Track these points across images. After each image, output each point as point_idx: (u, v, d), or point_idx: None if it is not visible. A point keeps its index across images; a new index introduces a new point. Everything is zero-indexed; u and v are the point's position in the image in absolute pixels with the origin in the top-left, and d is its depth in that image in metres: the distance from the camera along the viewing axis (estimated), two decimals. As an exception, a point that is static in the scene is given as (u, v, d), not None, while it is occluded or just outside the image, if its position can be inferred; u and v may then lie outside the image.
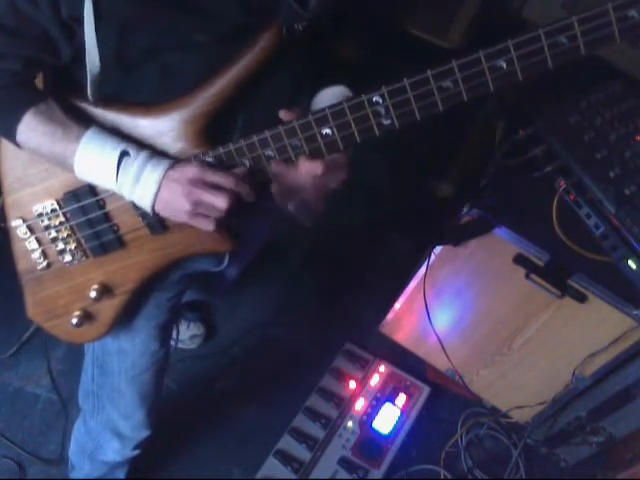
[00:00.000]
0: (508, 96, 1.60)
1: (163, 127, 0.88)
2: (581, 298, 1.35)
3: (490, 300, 1.58)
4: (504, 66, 0.76)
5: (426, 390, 1.85)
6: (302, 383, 1.82)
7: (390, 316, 1.83)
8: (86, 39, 0.80)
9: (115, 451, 1.32)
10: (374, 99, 0.80)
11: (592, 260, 1.31)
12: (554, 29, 0.73)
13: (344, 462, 1.67)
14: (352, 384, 1.83)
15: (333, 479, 1.64)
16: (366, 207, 2.26)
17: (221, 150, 0.88)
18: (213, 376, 1.85)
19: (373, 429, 1.75)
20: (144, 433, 1.29)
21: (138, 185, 0.85)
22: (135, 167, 0.85)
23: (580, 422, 1.63)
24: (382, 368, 1.88)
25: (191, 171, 0.85)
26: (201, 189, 0.85)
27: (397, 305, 1.78)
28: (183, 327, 1.86)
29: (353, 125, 0.83)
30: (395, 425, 1.77)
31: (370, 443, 1.72)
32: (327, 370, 1.85)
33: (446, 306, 1.65)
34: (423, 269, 1.56)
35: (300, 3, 0.84)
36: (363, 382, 1.85)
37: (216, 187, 0.85)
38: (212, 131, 0.89)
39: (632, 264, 1.26)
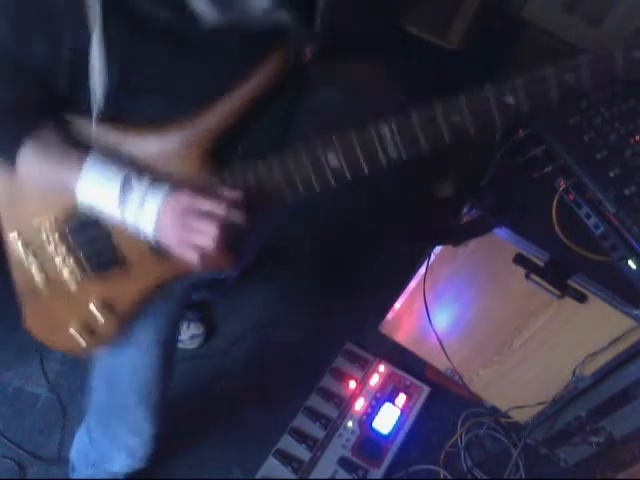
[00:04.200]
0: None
1: (166, 147, 0.87)
2: (581, 298, 1.35)
3: (490, 300, 1.58)
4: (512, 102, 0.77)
5: (426, 390, 1.85)
6: (302, 383, 1.82)
7: (390, 316, 1.83)
8: (91, 69, 0.79)
9: (124, 465, 1.32)
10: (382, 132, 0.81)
11: (592, 260, 1.31)
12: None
13: (344, 462, 1.67)
14: (352, 384, 1.83)
15: (333, 479, 1.64)
16: (366, 207, 2.26)
17: (224, 174, 0.87)
18: (213, 376, 1.84)
19: (373, 429, 1.75)
20: (155, 446, 1.28)
21: (142, 213, 0.84)
22: (137, 195, 0.83)
23: (580, 422, 1.63)
24: (382, 368, 1.88)
25: (184, 200, 0.84)
26: (192, 219, 0.83)
27: (397, 305, 1.78)
28: (183, 327, 1.86)
29: (361, 156, 0.83)
30: (395, 425, 1.77)
31: (370, 443, 1.72)
32: (327, 370, 1.85)
33: (446, 306, 1.65)
34: (423, 269, 1.56)
35: (307, 25, 0.84)
36: (363, 382, 1.85)
37: (208, 215, 0.83)
38: (216, 153, 0.88)
39: (632, 264, 1.26)
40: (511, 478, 1.75)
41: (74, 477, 1.46)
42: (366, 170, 0.84)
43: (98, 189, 0.84)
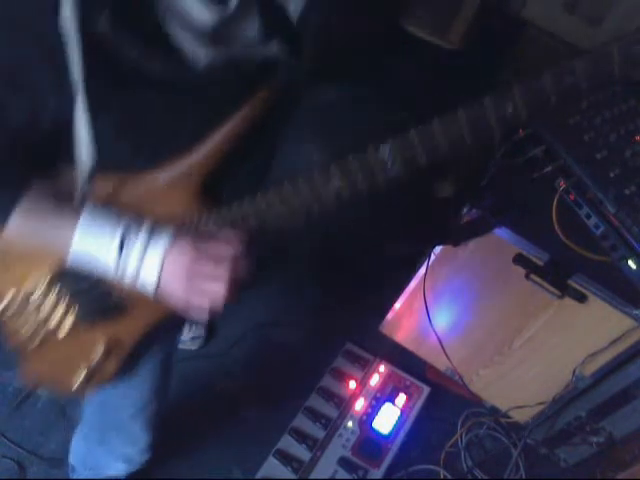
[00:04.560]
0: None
1: (156, 186, 0.83)
2: (581, 298, 1.35)
3: (490, 300, 1.58)
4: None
5: (426, 390, 1.85)
6: (302, 383, 1.82)
7: (390, 316, 1.83)
8: (76, 139, 0.75)
9: (121, 469, 1.32)
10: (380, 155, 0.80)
11: (592, 260, 1.31)
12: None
13: (344, 462, 1.67)
14: (352, 384, 1.83)
15: (333, 479, 1.64)
16: (366, 207, 2.25)
17: (221, 211, 0.84)
18: (213, 376, 1.84)
19: (373, 429, 1.75)
20: (152, 451, 1.29)
21: (143, 263, 0.80)
22: (138, 246, 0.80)
23: (580, 422, 1.63)
24: (382, 368, 1.88)
25: (189, 248, 0.80)
26: (200, 267, 0.80)
27: (397, 305, 1.78)
28: (184, 328, 1.86)
29: (361, 180, 0.82)
30: (395, 425, 1.77)
31: (370, 443, 1.72)
32: (327, 370, 1.85)
33: (446, 306, 1.65)
34: (423, 269, 1.56)
35: (296, 56, 0.83)
36: (363, 382, 1.85)
37: (217, 262, 0.81)
38: (207, 189, 0.85)
39: (632, 264, 1.26)
40: (511, 478, 1.75)
41: (74, 477, 1.46)
42: (366, 191, 0.84)
43: (94, 243, 0.80)
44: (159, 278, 0.81)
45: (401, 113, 1.03)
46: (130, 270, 0.80)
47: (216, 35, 0.74)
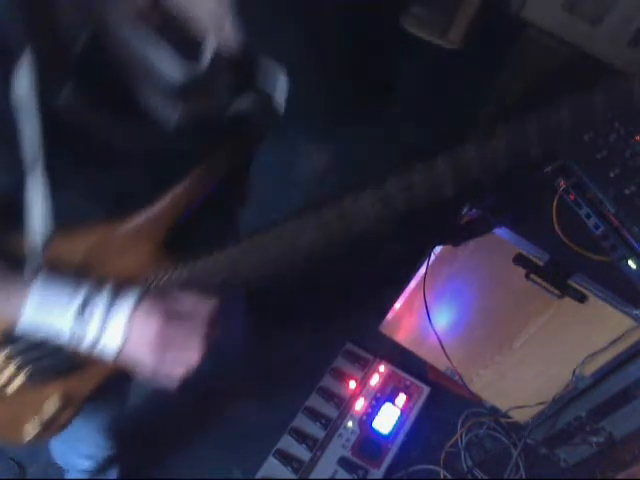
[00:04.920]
0: (508, 97, 1.60)
1: (116, 241, 0.78)
2: (581, 298, 1.35)
3: (490, 300, 1.58)
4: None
5: (426, 390, 1.85)
6: (302, 383, 1.82)
7: (390, 316, 1.83)
8: (30, 211, 0.68)
9: (87, 466, 1.33)
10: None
11: (592, 260, 1.31)
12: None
13: (344, 462, 1.67)
14: (352, 384, 1.83)
15: (333, 479, 1.64)
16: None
17: (188, 267, 0.79)
18: (213, 376, 1.84)
19: (373, 429, 1.75)
20: (113, 450, 1.29)
21: (105, 330, 0.74)
22: (99, 311, 0.73)
23: (580, 422, 1.63)
24: (382, 368, 1.88)
25: (156, 314, 0.75)
26: (171, 336, 0.75)
27: (397, 305, 1.78)
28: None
29: (336, 231, 0.79)
30: (395, 425, 1.77)
31: (370, 443, 1.72)
32: (327, 370, 1.85)
33: (446, 306, 1.65)
34: (423, 269, 1.56)
35: (269, 109, 0.80)
36: (363, 382, 1.85)
37: (188, 329, 0.77)
38: (175, 241, 0.80)
39: (632, 264, 1.26)
40: (511, 478, 1.75)
41: (69, 477, 1.46)
42: (342, 241, 0.80)
43: (48, 313, 0.73)
44: (122, 346, 0.74)
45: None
46: (89, 338, 0.74)
47: (187, 91, 0.71)
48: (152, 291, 0.78)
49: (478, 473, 1.77)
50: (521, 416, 1.74)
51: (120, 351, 0.75)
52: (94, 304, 0.73)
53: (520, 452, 1.74)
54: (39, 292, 0.73)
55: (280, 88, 0.82)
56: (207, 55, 0.71)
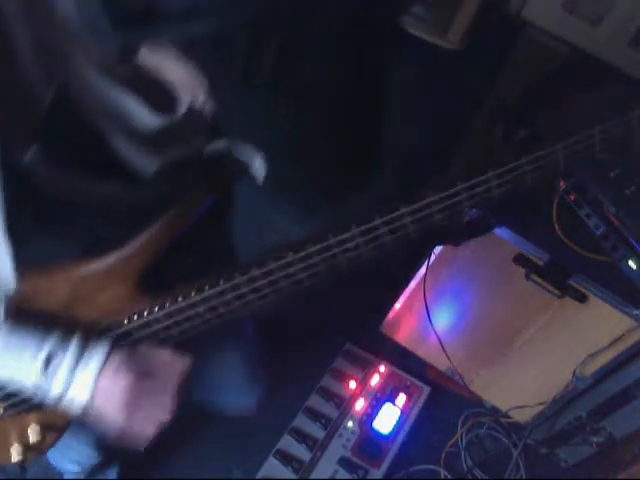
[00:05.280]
0: (508, 97, 1.60)
1: (91, 276, 0.75)
2: (581, 298, 1.35)
3: (490, 300, 1.58)
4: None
5: (426, 390, 1.85)
6: (302, 383, 1.82)
7: (390, 316, 1.83)
8: None
9: (78, 469, 1.33)
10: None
11: (592, 260, 1.31)
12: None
13: (344, 462, 1.67)
14: (352, 384, 1.83)
15: (333, 479, 1.64)
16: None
17: (167, 305, 0.75)
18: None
19: (373, 429, 1.75)
20: (102, 457, 1.30)
21: (72, 385, 0.71)
22: (66, 365, 0.70)
23: (580, 422, 1.63)
24: (382, 368, 1.88)
25: (127, 375, 0.72)
26: (139, 403, 0.73)
27: (397, 305, 1.78)
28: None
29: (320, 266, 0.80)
30: (395, 425, 1.77)
31: (370, 443, 1.72)
32: (327, 370, 1.85)
33: (446, 306, 1.65)
34: (423, 269, 1.56)
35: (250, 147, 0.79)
36: (363, 382, 1.85)
37: (159, 396, 0.75)
38: (150, 280, 0.77)
39: (632, 264, 1.26)
40: (511, 478, 1.75)
41: (67, 477, 1.47)
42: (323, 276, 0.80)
43: (9, 368, 0.71)
44: (89, 402, 0.71)
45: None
46: (54, 392, 0.71)
47: (162, 139, 0.69)
48: (123, 345, 0.75)
49: (478, 473, 1.77)
50: (521, 416, 1.74)
51: (87, 407, 0.72)
52: (60, 358, 0.70)
53: (520, 452, 1.75)
54: (1, 344, 0.70)
55: (257, 164, 0.81)
56: (182, 108, 0.69)
